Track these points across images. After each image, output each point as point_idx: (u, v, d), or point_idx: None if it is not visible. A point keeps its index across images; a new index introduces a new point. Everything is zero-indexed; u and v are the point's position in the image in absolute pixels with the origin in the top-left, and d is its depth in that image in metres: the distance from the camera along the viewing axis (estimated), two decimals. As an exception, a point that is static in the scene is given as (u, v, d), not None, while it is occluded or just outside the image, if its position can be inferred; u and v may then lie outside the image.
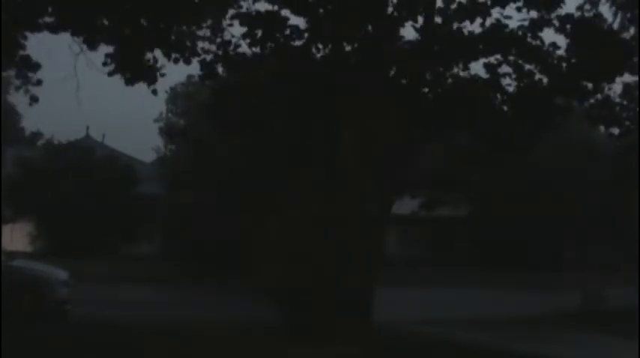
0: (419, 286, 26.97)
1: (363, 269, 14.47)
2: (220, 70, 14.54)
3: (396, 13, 13.82)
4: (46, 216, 34.66)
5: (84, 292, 17.87)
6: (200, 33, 14.17)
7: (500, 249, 37.70)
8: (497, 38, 13.79)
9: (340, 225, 14.24)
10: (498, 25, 13.72)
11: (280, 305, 15.02)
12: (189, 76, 49.68)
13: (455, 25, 13.95)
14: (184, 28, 14.00)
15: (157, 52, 14.05)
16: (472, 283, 29.10)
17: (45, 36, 13.68)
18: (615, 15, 14.89)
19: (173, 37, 13.86)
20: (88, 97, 17.63)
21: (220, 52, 14.29)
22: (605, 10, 16.37)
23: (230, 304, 21.25)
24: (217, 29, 14.19)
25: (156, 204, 34.87)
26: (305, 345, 13.37)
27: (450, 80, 14.50)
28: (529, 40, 13.87)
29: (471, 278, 30.67)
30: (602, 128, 19.83)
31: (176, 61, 14.05)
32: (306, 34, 13.88)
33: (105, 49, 13.82)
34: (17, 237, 33.22)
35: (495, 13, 13.88)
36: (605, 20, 14.46)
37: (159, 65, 14.15)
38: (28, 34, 13.61)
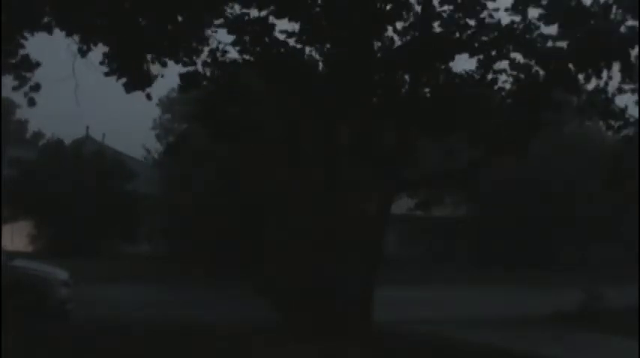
0: (419, 286, 26.97)
1: (362, 269, 14.49)
2: (206, 76, 14.35)
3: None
4: (46, 216, 34.66)
5: (84, 292, 17.86)
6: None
7: (499, 249, 37.69)
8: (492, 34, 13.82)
9: (340, 224, 14.25)
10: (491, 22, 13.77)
11: (280, 305, 15.03)
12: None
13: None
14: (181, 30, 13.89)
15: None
16: (472, 283, 29.10)
17: (46, 35, 13.66)
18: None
19: (166, 42, 13.75)
20: (88, 97, 17.58)
21: (209, 60, 14.17)
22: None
23: (230, 304, 21.24)
24: (202, 38, 14.05)
25: (156, 203, 34.85)
26: (305, 345, 13.37)
27: (444, 78, 14.51)
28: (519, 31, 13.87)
29: (470, 278, 30.69)
30: (599, 124, 19.62)
31: (164, 64, 13.94)
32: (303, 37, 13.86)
33: (103, 48, 13.76)
34: (17, 237, 33.20)
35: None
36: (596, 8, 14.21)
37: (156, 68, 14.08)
38: (27, 34, 13.56)
